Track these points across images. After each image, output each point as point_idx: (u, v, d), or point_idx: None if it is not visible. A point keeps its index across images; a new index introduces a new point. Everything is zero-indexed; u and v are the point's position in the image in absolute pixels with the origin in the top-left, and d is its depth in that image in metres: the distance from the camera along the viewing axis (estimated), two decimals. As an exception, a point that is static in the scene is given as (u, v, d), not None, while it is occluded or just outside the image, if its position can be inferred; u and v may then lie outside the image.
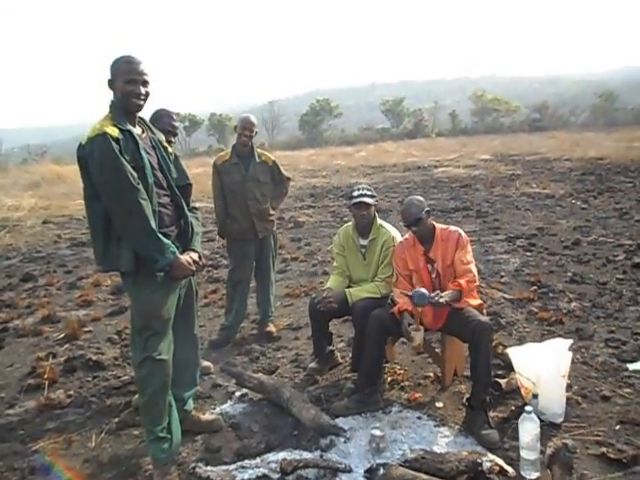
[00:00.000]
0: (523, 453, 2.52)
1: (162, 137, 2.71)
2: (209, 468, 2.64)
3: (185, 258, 2.54)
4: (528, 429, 2.50)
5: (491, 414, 3.02)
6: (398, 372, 3.61)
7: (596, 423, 2.92)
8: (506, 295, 5.07)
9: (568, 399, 3.13)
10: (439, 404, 3.20)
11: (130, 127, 2.43)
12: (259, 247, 4.26)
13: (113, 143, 2.30)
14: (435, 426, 2.99)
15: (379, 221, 3.53)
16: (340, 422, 3.03)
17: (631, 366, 3.53)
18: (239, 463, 2.68)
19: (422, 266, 3.20)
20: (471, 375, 3.03)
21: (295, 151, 37.56)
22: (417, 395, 3.29)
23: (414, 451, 2.66)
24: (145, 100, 2.50)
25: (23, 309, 5.27)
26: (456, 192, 12.72)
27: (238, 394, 3.38)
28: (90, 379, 3.68)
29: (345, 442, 2.82)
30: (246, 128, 4.02)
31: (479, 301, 3.23)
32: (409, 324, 3.05)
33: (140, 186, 2.35)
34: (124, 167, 2.30)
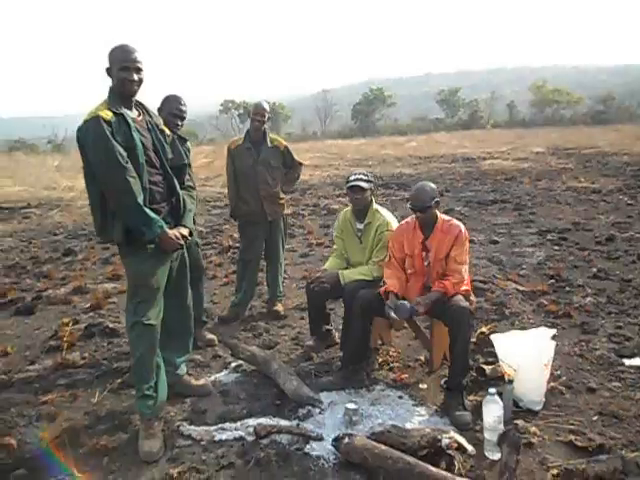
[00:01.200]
0: (486, 434, 2.58)
1: (160, 120, 2.92)
2: (192, 427, 2.86)
3: (173, 232, 2.74)
4: (491, 411, 2.56)
5: (470, 397, 3.08)
6: (391, 354, 3.70)
7: (574, 413, 2.93)
8: (520, 287, 5.02)
9: (552, 388, 3.14)
10: (423, 386, 3.29)
11: (124, 110, 2.64)
12: (269, 229, 4.43)
13: (105, 125, 2.52)
14: (413, 405, 3.08)
15: (375, 206, 3.62)
16: (323, 396, 3.18)
17: (628, 361, 3.47)
18: (220, 425, 2.89)
19: (417, 252, 3.27)
20: (449, 358, 3.09)
21: (346, 140, 37.62)
22: (403, 376, 3.38)
23: (382, 425, 2.77)
24: (139, 86, 2.71)
25: (58, 280, 5.71)
26: (499, 185, 12.44)
27: (234, 365, 3.59)
28: (105, 344, 4.00)
29: (320, 413, 2.98)
30: (258, 113, 4.18)
31: (466, 287, 3.26)
32: (392, 306, 3.13)
33: (129, 165, 2.56)
34: (114, 148, 2.51)
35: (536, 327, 4.02)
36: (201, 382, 3.24)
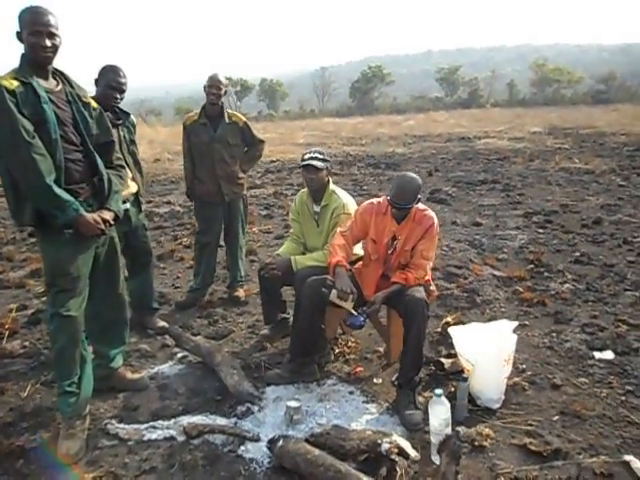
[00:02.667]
0: (432, 438, 2.38)
1: (84, 92, 2.64)
2: (120, 426, 2.65)
3: (92, 216, 2.48)
4: (437, 413, 2.34)
5: (427, 394, 2.87)
6: (349, 344, 3.49)
7: (535, 412, 2.72)
8: (496, 272, 4.79)
9: (514, 384, 2.94)
10: (378, 380, 3.08)
11: (36, 80, 2.37)
12: (227, 210, 4.18)
13: (7, 96, 2.24)
14: (363, 402, 2.88)
15: (332, 187, 3.36)
16: (270, 390, 2.99)
17: (598, 354, 3.26)
18: (151, 423, 2.68)
19: (385, 241, 3.00)
20: (402, 352, 2.87)
21: (343, 118, 37.05)
22: (359, 369, 3.17)
23: (322, 426, 2.56)
24: (53, 53, 2.42)
25: (18, 262, 5.46)
26: (491, 165, 12.13)
27: (180, 355, 3.38)
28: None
29: (260, 410, 2.77)
30: (213, 86, 3.89)
31: (426, 277, 3.01)
32: (349, 291, 2.86)
33: (35, 140, 2.29)
34: (16, 121, 2.24)
35: (507, 316, 3.83)
36: (137, 376, 3.03)
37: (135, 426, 2.66)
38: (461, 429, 2.13)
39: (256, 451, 2.46)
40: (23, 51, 2.42)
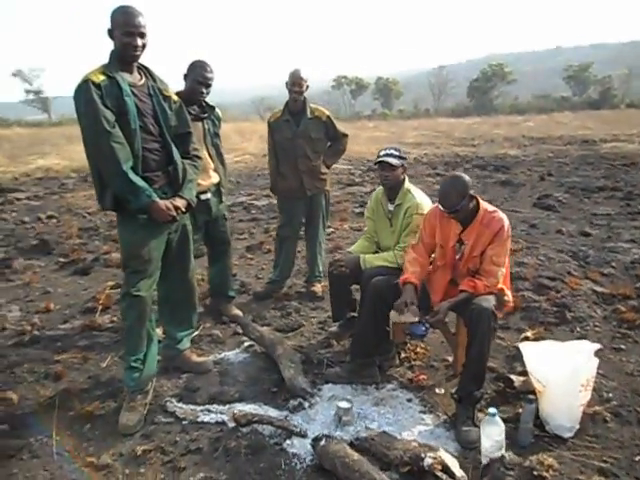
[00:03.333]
0: (483, 460, 2.19)
1: (165, 86, 2.78)
2: (179, 405, 2.77)
3: (165, 203, 2.61)
4: (489, 433, 2.16)
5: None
6: (418, 350, 3.35)
7: (614, 448, 2.41)
8: (597, 287, 4.33)
9: (595, 414, 2.63)
10: (440, 390, 2.91)
11: (120, 74, 2.53)
12: (309, 205, 4.20)
13: (94, 89, 2.42)
14: (420, 412, 2.74)
15: (407, 185, 3.23)
16: (326, 389, 2.95)
17: None
18: (207, 406, 2.77)
19: (451, 245, 2.83)
20: (463, 364, 2.68)
21: (459, 119, 35.88)
22: (422, 377, 3.02)
23: (369, 430, 2.47)
24: (142, 51, 2.58)
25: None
26: (614, 171, 11.02)
27: (247, 344, 3.45)
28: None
29: (311, 407, 2.74)
30: (295, 83, 3.92)
31: (498, 285, 2.79)
32: (407, 302, 2.74)
33: (115, 130, 2.45)
34: (99, 112, 2.41)
35: (600, 337, 3.46)
36: (201, 359, 3.15)
37: (192, 407, 2.76)
38: (508, 454, 1.93)
39: (300, 447, 2.44)
40: (113, 48, 2.61)
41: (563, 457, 2.35)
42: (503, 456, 1.91)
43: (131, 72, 2.64)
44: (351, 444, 2.41)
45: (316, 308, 4.13)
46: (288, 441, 2.49)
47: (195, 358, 3.13)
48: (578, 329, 3.60)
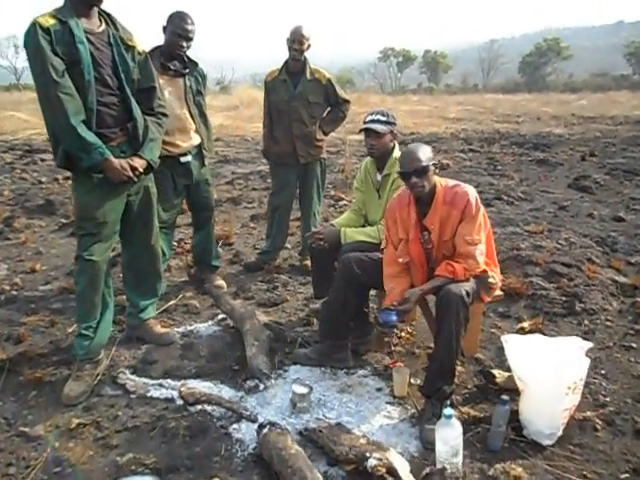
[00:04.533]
0: (437, 465, 1.93)
1: (129, 35, 2.55)
2: (131, 377, 2.62)
3: (120, 162, 2.41)
4: (445, 438, 1.89)
5: (465, 409, 2.40)
6: (400, 335, 3.08)
7: (598, 461, 2.10)
8: (619, 278, 3.91)
9: (583, 419, 2.33)
10: (415, 381, 2.64)
11: (75, 20, 2.31)
12: (302, 174, 3.94)
13: (41, 33, 2.21)
14: (387, 403, 2.49)
15: (397, 154, 2.91)
16: (292, 371, 2.75)
17: None
18: (160, 381, 2.61)
19: (413, 236, 2.50)
20: (429, 356, 2.40)
21: (508, 95, 34.38)
22: (399, 364, 2.75)
23: (321, 420, 2.25)
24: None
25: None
26: (666, 153, 10.20)
27: (220, 317, 3.26)
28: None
29: (268, 390, 2.53)
30: (296, 40, 3.61)
31: (480, 266, 2.46)
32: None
33: (64, 80, 2.24)
34: (46, 59, 2.20)
35: (611, 332, 3.11)
36: (163, 330, 2.99)
37: (145, 380, 2.60)
38: (449, 466, 1.66)
39: (247, 433, 2.24)
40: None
41: (536, 467, 2.07)
42: (444, 468, 1.64)
43: (89, 18, 2.41)
44: (300, 434, 2.20)
45: (306, 283, 3.89)
46: (236, 425, 2.30)
47: (158, 329, 2.97)
48: (586, 322, 3.24)
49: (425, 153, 2.40)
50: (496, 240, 4.58)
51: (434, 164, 2.41)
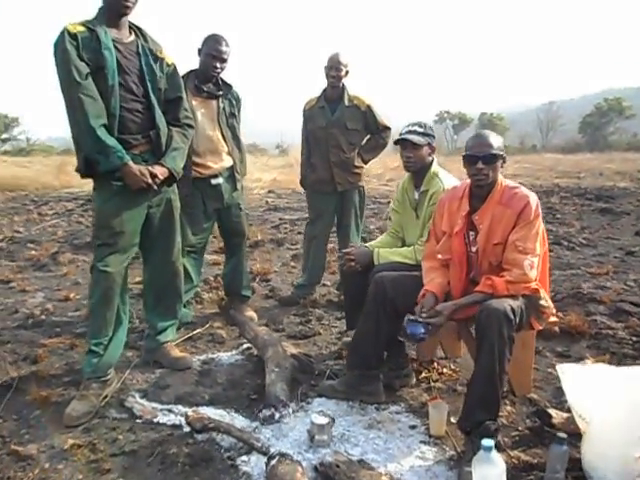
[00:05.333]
0: (477, 511, 1.57)
1: (159, 47, 2.55)
2: (139, 401, 2.41)
3: (139, 168, 2.34)
4: (483, 476, 1.54)
5: (514, 453, 2.02)
6: (442, 371, 2.74)
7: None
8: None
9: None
10: (455, 419, 2.28)
11: (104, 29, 2.33)
12: (340, 201, 3.77)
13: (68, 38, 2.23)
14: (422, 442, 2.14)
15: (435, 169, 2.69)
16: (316, 403, 2.45)
17: None
18: (171, 406, 2.38)
19: (456, 230, 2.26)
20: (467, 385, 2.06)
21: (568, 155, 33.53)
22: (436, 401, 2.41)
23: (338, 454, 1.93)
24: (133, 4, 2.40)
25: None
26: None
27: (245, 347, 3.04)
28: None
29: (286, 421, 2.24)
30: (333, 67, 3.55)
31: (529, 282, 2.13)
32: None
33: (86, 82, 2.22)
34: (70, 61, 2.20)
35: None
36: (181, 354, 2.78)
37: (154, 405, 2.39)
38: None
39: (256, 466, 1.95)
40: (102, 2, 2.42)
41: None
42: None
43: (119, 28, 2.42)
44: (315, 469, 1.90)
45: (342, 318, 3.61)
46: (245, 457, 2.01)
47: (175, 353, 2.77)
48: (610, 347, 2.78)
49: (497, 141, 2.19)
50: (553, 281, 4.20)
51: (503, 157, 2.18)
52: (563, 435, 1.76)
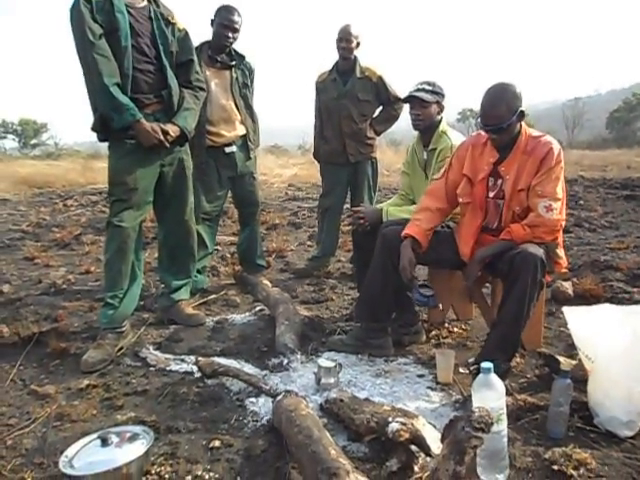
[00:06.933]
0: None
1: (171, 13, 2.62)
2: (152, 352, 2.48)
3: (151, 125, 2.41)
4: (482, 398, 1.54)
5: (522, 396, 2.01)
6: (455, 330, 2.74)
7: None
8: None
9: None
10: (464, 370, 2.29)
11: None
12: (353, 173, 3.79)
13: (83, 1, 2.31)
14: (428, 388, 2.16)
15: (444, 127, 2.70)
16: (327, 356, 2.47)
17: None
18: (182, 356, 2.45)
19: (481, 177, 2.27)
20: (492, 325, 2.07)
21: (595, 151, 32.83)
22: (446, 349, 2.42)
23: (343, 392, 1.96)
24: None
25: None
26: None
27: (258, 309, 3.09)
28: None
29: (294, 369, 2.28)
30: (343, 39, 3.58)
31: (550, 228, 2.15)
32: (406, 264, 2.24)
33: (100, 42, 2.30)
34: (84, 23, 2.28)
35: None
36: (194, 311, 2.86)
37: (166, 356, 2.46)
38: (478, 410, 1.31)
39: (263, 406, 2.00)
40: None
41: (610, 457, 1.65)
42: (472, 412, 1.30)
43: None
44: (320, 407, 1.93)
45: (355, 288, 3.64)
46: (253, 399, 2.06)
47: (188, 310, 2.84)
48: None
49: (509, 104, 2.11)
50: (571, 256, 4.15)
51: (521, 112, 2.15)
52: (567, 368, 1.76)
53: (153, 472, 1.57)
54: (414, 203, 2.90)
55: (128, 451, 1.54)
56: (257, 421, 1.90)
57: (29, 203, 9.15)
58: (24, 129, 33.57)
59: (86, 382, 2.14)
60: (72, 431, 1.83)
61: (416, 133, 2.82)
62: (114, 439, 1.58)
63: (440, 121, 2.71)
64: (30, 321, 2.90)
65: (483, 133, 2.35)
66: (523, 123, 2.23)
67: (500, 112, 2.12)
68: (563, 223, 2.22)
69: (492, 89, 2.18)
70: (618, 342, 1.76)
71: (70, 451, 1.56)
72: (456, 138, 2.65)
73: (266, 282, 3.52)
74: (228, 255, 4.50)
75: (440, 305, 2.68)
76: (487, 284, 2.64)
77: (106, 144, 2.55)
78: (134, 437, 1.62)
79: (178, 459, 1.66)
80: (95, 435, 1.60)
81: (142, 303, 3.01)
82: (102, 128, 2.44)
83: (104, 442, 1.56)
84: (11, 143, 34.11)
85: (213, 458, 1.67)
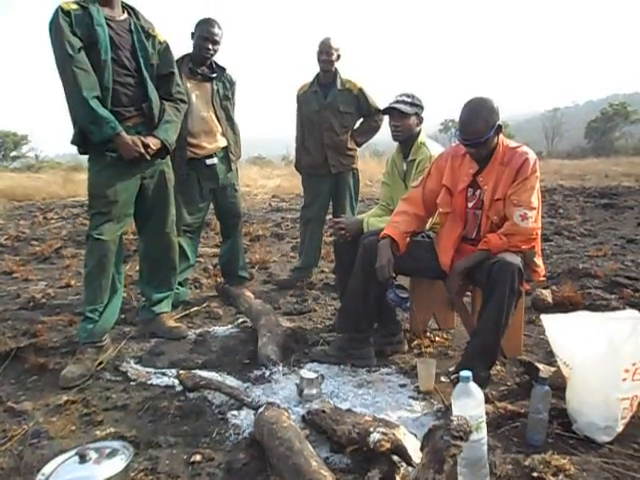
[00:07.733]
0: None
1: (150, 26, 2.63)
2: (132, 366, 2.46)
3: (132, 138, 2.40)
4: (462, 406, 1.55)
5: (502, 404, 2.03)
6: (434, 339, 2.76)
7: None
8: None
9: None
10: (445, 379, 2.30)
11: (97, 7, 2.40)
12: (334, 184, 3.82)
13: (61, 15, 2.31)
14: (410, 397, 2.16)
15: (422, 138, 2.74)
16: (310, 367, 2.46)
17: None
18: (164, 370, 2.42)
19: (460, 188, 2.31)
20: (471, 334, 2.10)
21: (574, 160, 33.43)
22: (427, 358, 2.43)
23: (325, 403, 1.96)
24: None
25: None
26: None
27: (240, 321, 3.08)
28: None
29: (276, 381, 2.28)
30: (323, 52, 3.62)
31: (526, 237, 2.19)
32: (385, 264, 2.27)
33: (78, 55, 2.29)
34: (63, 36, 2.28)
35: None
36: (176, 324, 2.83)
37: (147, 369, 2.43)
38: (456, 418, 1.32)
39: (245, 419, 1.99)
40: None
41: (588, 463, 1.67)
42: (450, 420, 1.31)
43: (112, 7, 2.51)
44: (303, 419, 1.93)
45: (337, 298, 3.65)
46: (235, 412, 2.05)
47: (170, 323, 2.82)
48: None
49: (487, 119, 2.15)
50: (550, 264, 4.21)
51: (499, 126, 2.18)
52: (545, 375, 1.78)
53: (133, 488, 1.55)
54: (394, 214, 2.94)
55: (107, 467, 1.52)
56: (239, 434, 1.89)
57: (8, 216, 9.02)
58: (4, 141, 33.06)
59: (65, 398, 2.11)
60: (50, 449, 1.80)
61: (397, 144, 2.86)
62: (93, 455, 1.56)
63: (419, 132, 2.75)
64: (8, 336, 2.84)
65: (460, 145, 2.39)
66: (501, 135, 2.28)
67: (478, 127, 2.15)
68: (539, 231, 2.27)
69: (470, 104, 2.22)
70: (595, 349, 1.79)
71: (47, 469, 1.53)
72: (435, 149, 2.69)
73: (249, 294, 3.51)
74: (210, 267, 4.48)
75: (413, 307, 2.69)
76: (468, 293, 2.67)
77: (87, 156, 2.53)
78: (113, 453, 1.60)
79: (159, 474, 1.64)
80: (73, 452, 1.57)
81: (123, 316, 2.98)
82: (82, 141, 2.43)
83: (82, 458, 1.53)
84: (-10, 155, 33.61)
85: (194, 472, 1.66)
